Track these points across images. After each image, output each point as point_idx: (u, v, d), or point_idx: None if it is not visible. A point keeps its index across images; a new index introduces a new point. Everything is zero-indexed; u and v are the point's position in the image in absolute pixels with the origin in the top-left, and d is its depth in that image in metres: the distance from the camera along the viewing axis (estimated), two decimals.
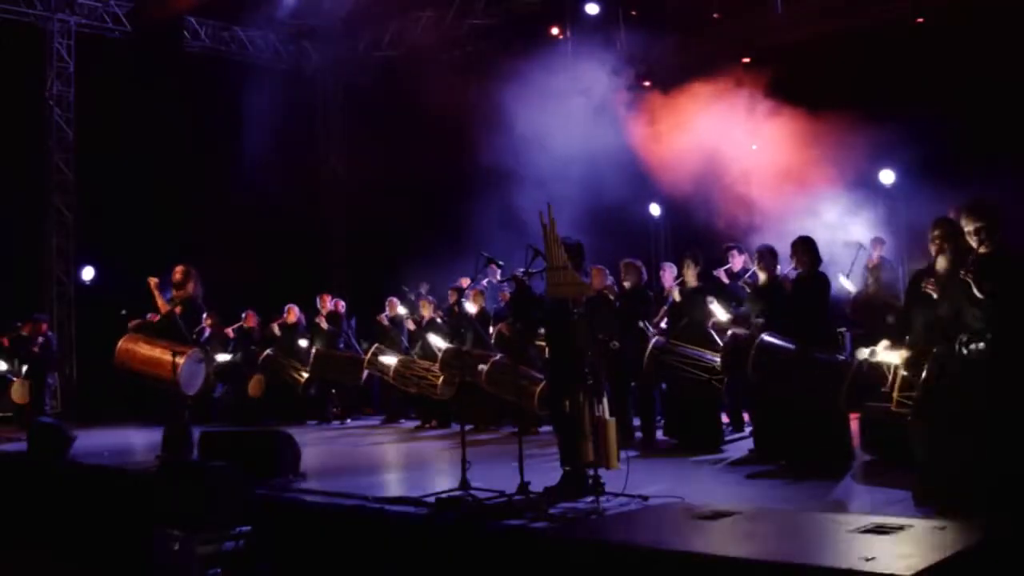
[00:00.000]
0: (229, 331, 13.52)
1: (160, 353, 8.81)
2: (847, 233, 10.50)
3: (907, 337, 6.15)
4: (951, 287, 5.46)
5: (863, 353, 6.47)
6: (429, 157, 15.29)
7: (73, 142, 15.79)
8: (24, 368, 13.29)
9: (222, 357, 12.92)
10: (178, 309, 8.96)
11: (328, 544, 6.15)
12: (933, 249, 5.82)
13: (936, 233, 5.82)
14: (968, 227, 5.29)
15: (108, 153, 15.24)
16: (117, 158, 15.22)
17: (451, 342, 11.11)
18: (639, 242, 13.62)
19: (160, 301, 9.09)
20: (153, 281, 9.08)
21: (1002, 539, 4.48)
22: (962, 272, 5.27)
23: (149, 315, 9.89)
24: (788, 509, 5.74)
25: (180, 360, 8.68)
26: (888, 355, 6.19)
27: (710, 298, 8.71)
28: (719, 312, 8.63)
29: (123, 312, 11.42)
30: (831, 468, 6.84)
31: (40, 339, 13.44)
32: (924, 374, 5.49)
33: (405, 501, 6.12)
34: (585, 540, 5.04)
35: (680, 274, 9.15)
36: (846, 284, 10.57)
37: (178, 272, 9.17)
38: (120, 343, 9.11)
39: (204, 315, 9.91)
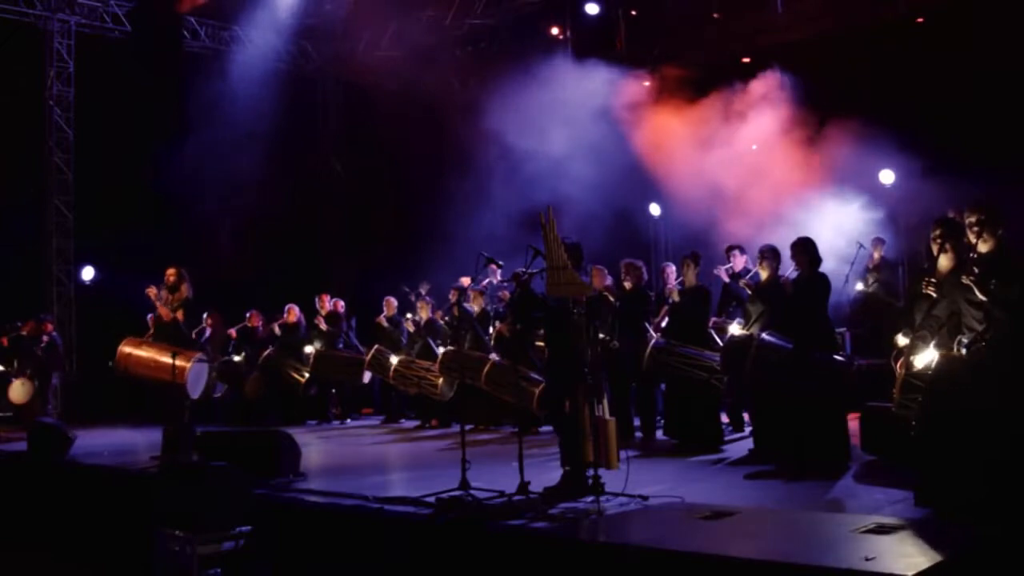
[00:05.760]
0: (232, 331, 13.51)
1: (162, 356, 8.94)
2: (846, 234, 10.51)
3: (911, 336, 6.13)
4: (950, 288, 5.45)
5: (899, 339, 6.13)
6: (429, 157, 15.30)
7: (73, 142, 15.78)
8: (27, 369, 13.27)
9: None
10: (179, 313, 9.07)
11: (328, 544, 6.15)
12: (934, 249, 5.81)
13: (937, 233, 5.81)
14: (968, 219, 5.30)
15: (108, 153, 15.24)
16: (117, 158, 15.21)
17: (452, 343, 11.10)
18: (639, 242, 13.63)
19: (162, 309, 9.22)
20: (152, 291, 9.22)
21: (1002, 539, 4.48)
22: (963, 276, 5.26)
23: (150, 319, 10.03)
24: (788, 509, 5.74)
25: (184, 363, 8.78)
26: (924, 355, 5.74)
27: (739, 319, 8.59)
28: (735, 327, 8.46)
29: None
30: (831, 468, 6.84)
31: (45, 339, 13.40)
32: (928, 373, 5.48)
33: (405, 501, 6.11)
34: (585, 540, 5.04)
35: (680, 274, 9.15)
36: (859, 286, 10.83)
37: (171, 275, 9.28)
38: (120, 348, 9.22)
39: (204, 315, 9.95)
